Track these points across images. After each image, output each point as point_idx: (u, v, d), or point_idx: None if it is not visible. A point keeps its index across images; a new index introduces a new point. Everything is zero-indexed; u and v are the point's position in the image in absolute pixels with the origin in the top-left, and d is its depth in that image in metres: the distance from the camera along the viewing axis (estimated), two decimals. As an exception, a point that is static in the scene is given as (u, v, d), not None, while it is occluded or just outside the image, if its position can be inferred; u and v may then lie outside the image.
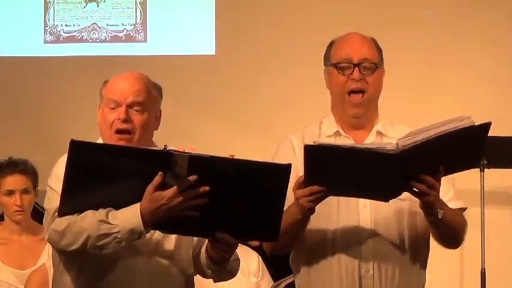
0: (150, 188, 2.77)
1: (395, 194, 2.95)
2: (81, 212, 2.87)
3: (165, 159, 2.78)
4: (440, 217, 2.98)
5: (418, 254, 3.16)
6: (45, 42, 5.80)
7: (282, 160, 3.09)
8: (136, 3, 5.84)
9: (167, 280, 3.07)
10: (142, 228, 2.81)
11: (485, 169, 5.18)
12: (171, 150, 2.78)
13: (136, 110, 3.00)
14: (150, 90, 3.08)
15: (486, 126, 2.99)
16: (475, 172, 4.79)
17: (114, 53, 5.76)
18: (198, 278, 3.26)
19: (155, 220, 2.82)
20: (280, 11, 6.14)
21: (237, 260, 3.17)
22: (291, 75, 5.44)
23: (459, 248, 5.39)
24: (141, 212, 2.81)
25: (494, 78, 6.08)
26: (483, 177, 5.19)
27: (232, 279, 3.72)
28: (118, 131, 2.99)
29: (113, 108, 3.00)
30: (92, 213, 2.85)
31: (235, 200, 2.88)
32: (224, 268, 3.08)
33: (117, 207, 2.86)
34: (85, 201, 2.88)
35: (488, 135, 4.33)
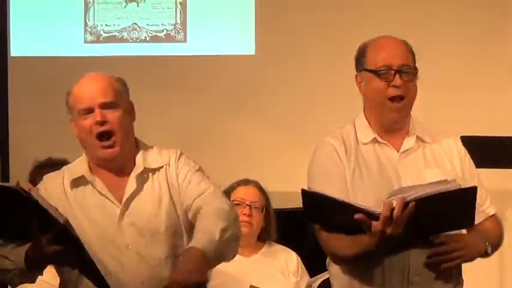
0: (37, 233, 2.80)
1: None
2: None
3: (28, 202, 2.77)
4: (490, 252, 3.11)
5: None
6: (86, 42, 5.86)
7: (326, 164, 3.17)
8: (176, 3, 5.86)
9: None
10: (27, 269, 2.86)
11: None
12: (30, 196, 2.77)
13: (108, 109, 3.01)
14: (114, 86, 3.10)
15: (474, 190, 3.01)
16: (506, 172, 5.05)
17: (154, 53, 5.75)
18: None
19: (38, 264, 2.87)
20: (319, 11, 6.08)
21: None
22: (329, 75, 5.44)
23: None
24: (26, 254, 2.83)
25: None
26: None
27: (272, 279, 4.03)
28: (99, 136, 3.00)
29: (86, 115, 3.01)
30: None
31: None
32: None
33: (16, 238, 2.88)
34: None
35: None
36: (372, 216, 2.88)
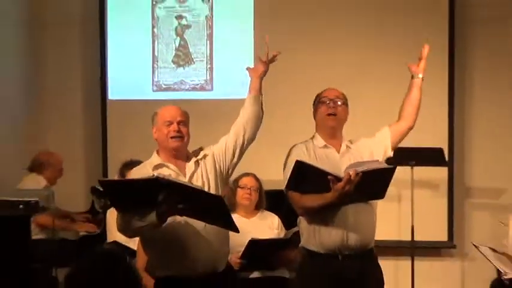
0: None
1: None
2: (128, 214, 2.82)
3: (154, 183, 2.69)
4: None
5: (373, 211, 3.19)
6: (153, 91, 5.79)
7: (298, 157, 3.05)
8: (206, 68, 5.74)
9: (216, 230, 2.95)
10: (158, 223, 2.74)
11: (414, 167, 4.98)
12: (157, 177, 2.70)
13: (181, 124, 2.99)
14: (185, 113, 3.05)
15: (393, 169, 3.00)
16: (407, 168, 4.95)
17: (193, 98, 5.63)
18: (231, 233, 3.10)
19: (164, 218, 2.74)
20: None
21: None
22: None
23: (397, 206, 5.16)
24: (157, 215, 2.71)
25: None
26: (413, 172, 4.97)
27: (263, 232, 3.89)
28: (173, 137, 2.96)
29: (168, 126, 2.96)
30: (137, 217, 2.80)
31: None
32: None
33: (144, 210, 2.74)
34: (127, 206, 2.82)
35: (415, 146, 4.23)
36: (338, 179, 2.91)
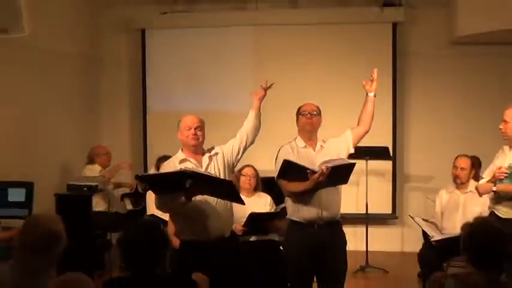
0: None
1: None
2: (163, 195, 2.80)
3: (183, 174, 2.70)
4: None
5: (339, 192, 3.12)
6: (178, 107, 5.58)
7: (285, 155, 3.01)
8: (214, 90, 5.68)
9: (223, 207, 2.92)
10: (186, 202, 2.75)
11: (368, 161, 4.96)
12: (184, 171, 2.72)
13: (198, 129, 2.95)
14: (202, 121, 2.99)
15: (353, 164, 2.96)
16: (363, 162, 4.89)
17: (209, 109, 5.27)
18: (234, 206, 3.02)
19: (189, 198, 2.75)
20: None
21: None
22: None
23: (356, 188, 5.13)
24: (185, 194, 2.72)
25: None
26: (367, 164, 4.94)
27: (260, 208, 3.77)
28: (192, 138, 2.92)
29: (188, 130, 2.93)
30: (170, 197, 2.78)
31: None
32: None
33: (174, 192, 2.74)
34: (162, 191, 2.79)
35: (369, 145, 4.18)
36: (313, 172, 2.87)
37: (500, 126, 3.37)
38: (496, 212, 3.35)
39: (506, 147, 3.43)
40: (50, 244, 2.02)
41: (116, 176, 4.94)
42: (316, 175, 2.86)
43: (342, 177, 3.00)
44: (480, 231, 2.03)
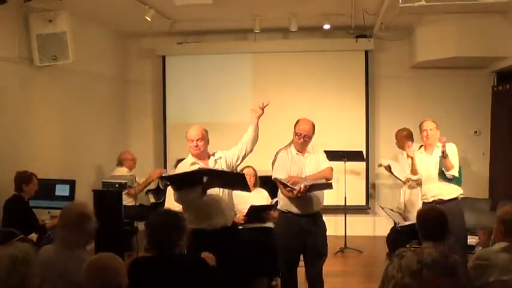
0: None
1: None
2: (181, 190, 2.79)
3: (201, 172, 2.75)
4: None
5: (323, 191, 3.10)
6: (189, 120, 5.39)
7: (284, 162, 3.00)
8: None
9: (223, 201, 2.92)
10: (202, 194, 2.77)
11: (346, 162, 4.95)
12: (201, 169, 2.75)
13: (199, 141, 2.91)
14: (203, 132, 2.94)
15: (331, 184, 2.97)
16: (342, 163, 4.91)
17: (216, 121, 5.35)
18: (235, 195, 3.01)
19: (205, 190, 2.77)
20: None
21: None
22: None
23: (336, 185, 5.03)
24: (202, 187, 2.76)
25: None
26: (345, 165, 4.94)
27: (258, 201, 3.71)
28: (193, 149, 2.92)
29: (191, 141, 2.91)
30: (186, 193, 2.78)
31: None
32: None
33: (191, 188, 2.75)
34: (181, 187, 2.81)
35: (346, 149, 4.18)
36: (293, 189, 2.91)
37: (425, 138, 3.46)
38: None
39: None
40: (82, 222, 2.04)
41: (141, 175, 4.90)
42: (296, 191, 2.90)
43: (321, 189, 3.03)
44: (427, 212, 2.20)
